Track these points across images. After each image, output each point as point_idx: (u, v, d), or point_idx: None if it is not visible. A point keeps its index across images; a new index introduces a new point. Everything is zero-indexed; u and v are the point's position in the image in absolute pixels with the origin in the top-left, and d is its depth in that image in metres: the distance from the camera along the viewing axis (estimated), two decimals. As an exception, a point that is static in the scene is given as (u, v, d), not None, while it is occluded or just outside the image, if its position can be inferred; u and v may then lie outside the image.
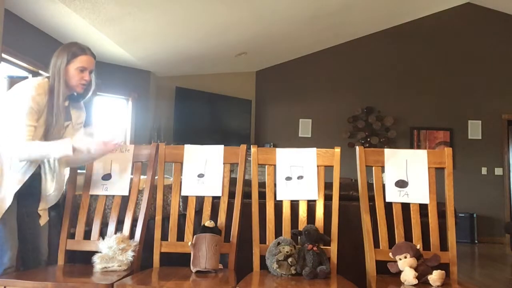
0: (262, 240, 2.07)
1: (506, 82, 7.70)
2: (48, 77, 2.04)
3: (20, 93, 1.95)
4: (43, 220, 2.13)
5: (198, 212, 2.18)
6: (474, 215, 7.25)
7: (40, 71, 5.24)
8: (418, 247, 1.93)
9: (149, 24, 5.58)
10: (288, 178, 2.15)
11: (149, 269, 2.02)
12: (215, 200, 2.18)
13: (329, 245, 2.03)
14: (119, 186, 2.24)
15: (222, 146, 2.24)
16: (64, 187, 2.23)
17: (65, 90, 2.03)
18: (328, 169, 2.14)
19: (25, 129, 1.90)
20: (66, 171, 2.22)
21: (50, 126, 2.00)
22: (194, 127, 7.49)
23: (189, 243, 2.00)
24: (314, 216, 2.10)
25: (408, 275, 1.80)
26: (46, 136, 2.00)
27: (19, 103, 1.92)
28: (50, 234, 2.19)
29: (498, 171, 7.61)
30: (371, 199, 2.08)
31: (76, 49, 2.04)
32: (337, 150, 2.17)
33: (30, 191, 2.04)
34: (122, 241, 2.02)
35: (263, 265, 2.01)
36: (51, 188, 2.12)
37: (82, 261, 2.14)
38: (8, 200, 1.94)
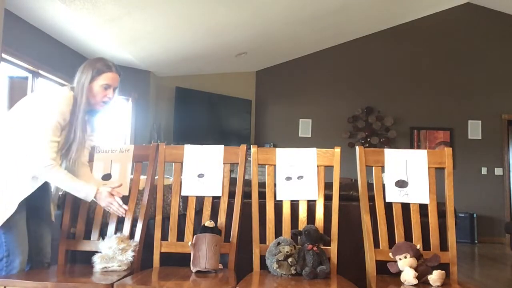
0: (262, 240, 2.07)
1: (506, 82, 7.70)
2: (72, 88, 2.01)
3: (48, 107, 1.91)
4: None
5: (198, 212, 2.19)
6: (474, 215, 7.24)
7: (40, 71, 5.25)
8: (418, 247, 1.93)
9: (149, 24, 5.58)
10: (288, 178, 2.15)
11: (149, 269, 2.02)
12: (215, 200, 2.18)
13: (329, 245, 2.03)
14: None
15: (222, 146, 2.24)
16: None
17: (86, 107, 2.01)
18: (328, 169, 2.14)
19: (50, 145, 1.88)
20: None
21: (68, 141, 1.98)
22: (194, 127, 7.48)
23: (189, 243, 2.00)
24: (314, 216, 2.10)
25: (408, 275, 1.80)
26: (68, 149, 1.99)
27: (46, 117, 1.89)
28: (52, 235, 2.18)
29: (498, 171, 7.61)
30: (371, 199, 2.08)
31: (102, 65, 2.02)
32: (337, 150, 2.17)
33: (38, 195, 2.01)
34: (122, 241, 2.02)
35: (263, 265, 2.01)
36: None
37: (82, 261, 2.14)
38: (12, 208, 1.88)
